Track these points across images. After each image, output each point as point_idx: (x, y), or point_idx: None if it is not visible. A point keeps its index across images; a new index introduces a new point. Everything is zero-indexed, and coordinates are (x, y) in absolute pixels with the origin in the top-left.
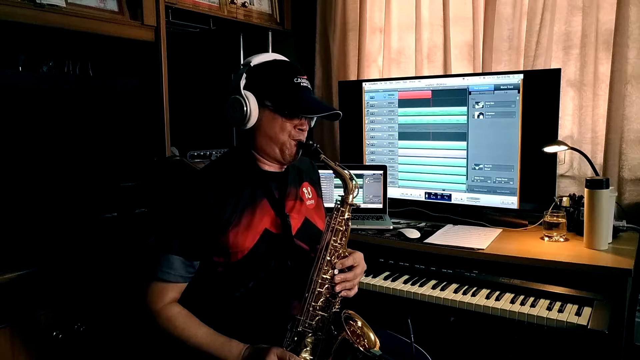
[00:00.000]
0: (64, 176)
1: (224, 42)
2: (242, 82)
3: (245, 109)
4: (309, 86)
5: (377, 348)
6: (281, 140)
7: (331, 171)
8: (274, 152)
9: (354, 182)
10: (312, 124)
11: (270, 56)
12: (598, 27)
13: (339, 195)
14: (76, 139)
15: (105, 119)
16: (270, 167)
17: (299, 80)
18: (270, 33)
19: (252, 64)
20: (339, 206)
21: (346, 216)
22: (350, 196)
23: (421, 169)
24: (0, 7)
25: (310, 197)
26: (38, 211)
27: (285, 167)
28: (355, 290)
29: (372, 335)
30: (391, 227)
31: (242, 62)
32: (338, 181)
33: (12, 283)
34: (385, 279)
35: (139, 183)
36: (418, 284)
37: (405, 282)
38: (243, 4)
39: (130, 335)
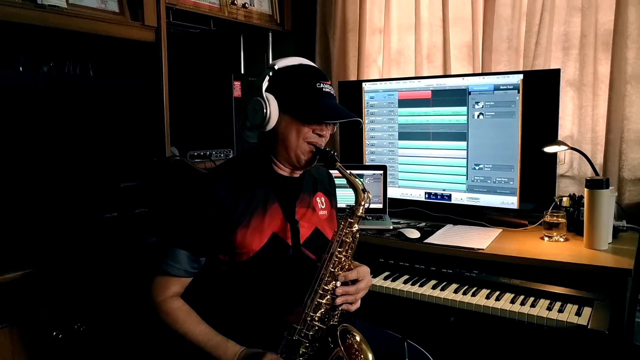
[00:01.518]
0: (64, 176)
1: (224, 43)
2: (265, 84)
3: (265, 111)
4: (332, 92)
5: None
6: (298, 145)
7: (337, 171)
8: (290, 156)
9: (365, 194)
10: (334, 130)
11: (295, 60)
12: (597, 28)
13: (347, 206)
14: (76, 139)
15: (105, 119)
16: (285, 171)
17: (322, 85)
18: (270, 34)
19: (276, 67)
20: (347, 217)
21: (354, 228)
22: (361, 208)
23: (421, 169)
24: (1, 7)
25: (323, 207)
26: (38, 211)
27: (301, 173)
28: (357, 305)
29: (370, 355)
30: (391, 227)
31: (268, 65)
32: (340, 181)
33: (12, 283)
34: (385, 279)
35: (139, 183)
36: (418, 284)
37: (405, 282)
38: (243, 5)
39: (130, 335)
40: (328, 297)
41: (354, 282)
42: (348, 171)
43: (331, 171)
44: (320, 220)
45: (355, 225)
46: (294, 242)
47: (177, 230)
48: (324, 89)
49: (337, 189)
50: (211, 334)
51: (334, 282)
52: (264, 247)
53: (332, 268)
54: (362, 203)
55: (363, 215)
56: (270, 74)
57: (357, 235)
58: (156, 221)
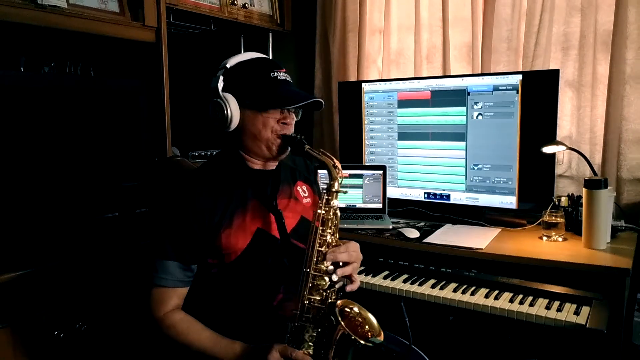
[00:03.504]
0: (65, 176)
1: (224, 43)
2: (220, 85)
3: (225, 111)
4: (289, 79)
5: (380, 337)
6: (265, 136)
7: (325, 171)
8: (261, 149)
9: (337, 170)
10: (298, 116)
11: (246, 55)
12: (596, 28)
13: (324, 183)
14: (78, 140)
15: (106, 120)
16: (259, 164)
17: (276, 74)
18: (270, 34)
19: (228, 66)
20: (324, 195)
21: (333, 204)
22: (336, 183)
23: (420, 169)
24: (2, 7)
25: (306, 195)
26: (40, 211)
27: (277, 165)
28: (358, 283)
29: (373, 320)
30: (390, 227)
31: (219, 65)
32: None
33: (13, 283)
34: (385, 278)
35: (140, 183)
36: (417, 283)
37: (404, 282)
38: (244, 5)
39: (131, 334)
40: (321, 276)
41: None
42: (317, 151)
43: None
44: (305, 209)
45: (334, 200)
46: (281, 232)
47: (162, 243)
48: (279, 77)
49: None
50: (217, 339)
51: (324, 262)
52: (250, 243)
53: (319, 247)
54: (336, 178)
55: (339, 190)
56: (224, 73)
57: (338, 212)
58: (150, 225)
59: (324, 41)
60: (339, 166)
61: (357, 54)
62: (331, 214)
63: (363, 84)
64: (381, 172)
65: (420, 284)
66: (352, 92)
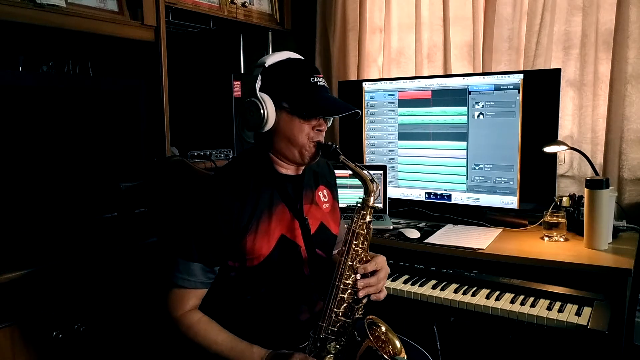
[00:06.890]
0: (64, 176)
1: (224, 42)
2: (258, 84)
3: (262, 112)
4: (326, 85)
5: (402, 355)
6: (300, 142)
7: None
8: (293, 154)
9: (374, 185)
10: (330, 123)
11: (284, 55)
12: (598, 27)
13: (359, 197)
14: (76, 139)
15: (105, 119)
16: (287, 170)
17: (316, 79)
18: (270, 33)
19: (266, 65)
20: (360, 209)
21: (367, 219)
22: (372, 198)
23: (421, 169)
24: (0, 7)
25: (326, 200)
26: (38, 211)
27: (302, 169)
28: (384, 293)
29: (397, 342)
30: (391, 227)
31: (256, 63)
32: (343, 181)
33: (13, 283)
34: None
35: (139, 183)
36: (418, 284)
37: (405, 282)
38: (243, 4)
39: (130, 335)
40: (349, 290)
41: (373, 273)
42: (353, 163)
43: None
44: (324, 214)
45: (368, 216)
46: (305, 240)
47: (187, 243)
48: (318, 83)
49: (338, 190)
50: (235, 341)
51: (353, 275)
52: (274, 250)
53: (350, 262)
54: (372, 193)
55: (374, 205)
56: (262, 72)
57: (371, 227)
58: (156, 221)
59: (324, 40)
60: (376, 180)
61: (358, 53)
62: (364, 229)
63: (363, 83)
64: (382, 172)
65: (421, 285)
66: (352, 92)
